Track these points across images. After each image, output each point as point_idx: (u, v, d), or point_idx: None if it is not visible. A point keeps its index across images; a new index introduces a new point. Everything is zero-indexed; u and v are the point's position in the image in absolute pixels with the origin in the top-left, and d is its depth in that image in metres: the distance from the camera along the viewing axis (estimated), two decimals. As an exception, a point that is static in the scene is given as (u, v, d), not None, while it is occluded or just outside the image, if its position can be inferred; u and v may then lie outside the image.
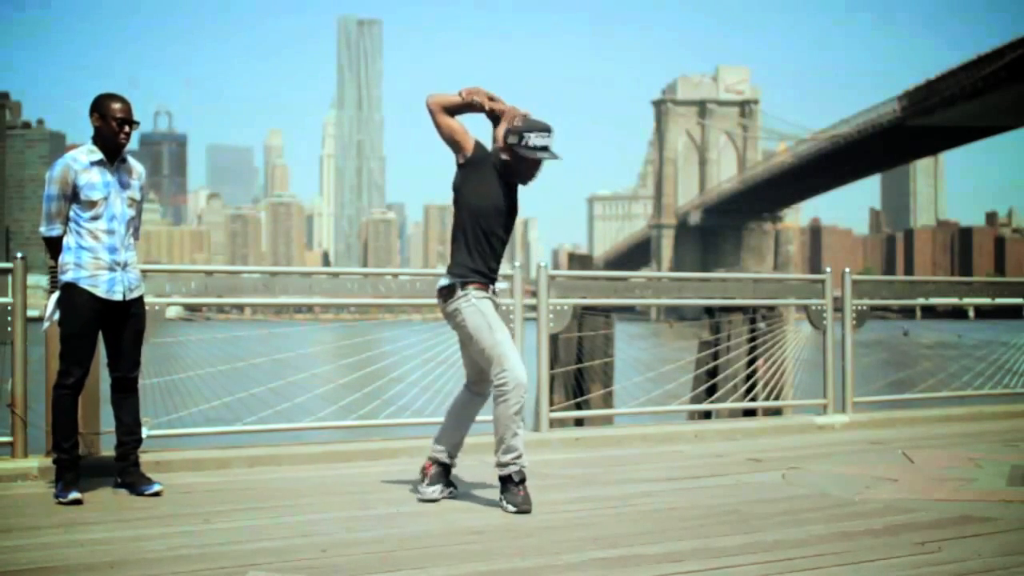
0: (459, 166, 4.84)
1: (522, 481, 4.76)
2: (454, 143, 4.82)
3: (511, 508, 4.69)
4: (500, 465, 4.80)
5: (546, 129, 4.79)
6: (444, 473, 5.08)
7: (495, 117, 4.88)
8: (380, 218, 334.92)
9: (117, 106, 5.09)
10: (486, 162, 4.81)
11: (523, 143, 4.77)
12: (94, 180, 5.06)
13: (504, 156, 4.82)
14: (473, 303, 4.79)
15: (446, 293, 4.87)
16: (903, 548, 3.98)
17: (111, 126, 5.07)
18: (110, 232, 5.09)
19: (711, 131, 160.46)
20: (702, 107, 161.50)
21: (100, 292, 5.06)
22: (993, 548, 3.98)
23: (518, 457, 4.77)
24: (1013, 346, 9.66)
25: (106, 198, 5.08)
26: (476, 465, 5.90)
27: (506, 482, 4.78)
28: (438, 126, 4.81)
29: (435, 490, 5.03)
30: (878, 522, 4.47)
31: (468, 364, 5.08)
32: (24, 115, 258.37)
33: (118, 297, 5.11)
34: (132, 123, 5.13)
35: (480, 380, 5.06)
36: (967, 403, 9.25)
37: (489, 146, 4.90)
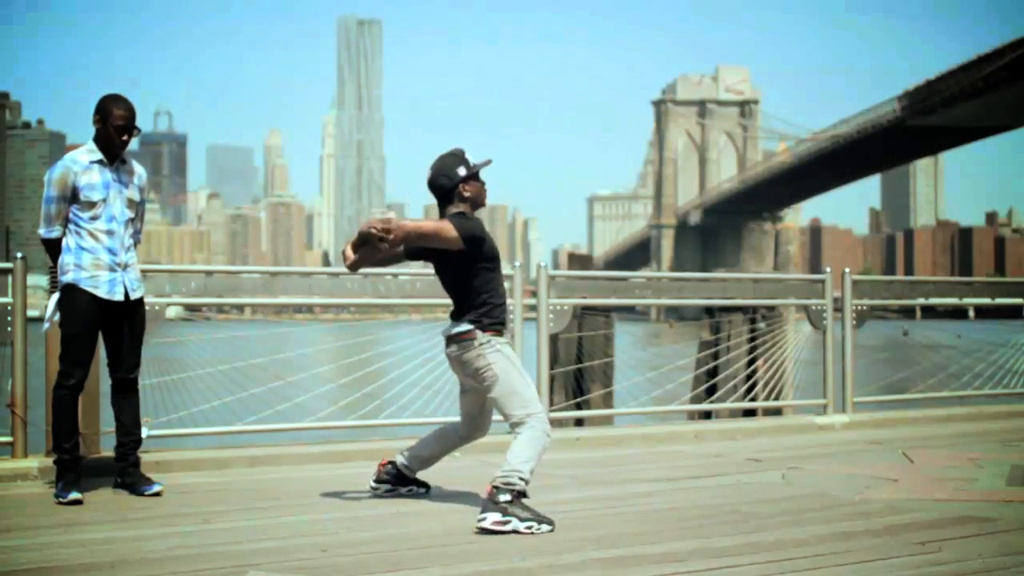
0: (468, 249, 4.65)
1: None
2: (440, 242, 4.66)
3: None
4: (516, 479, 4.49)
5: (463, 150, 4.85)
6: (396, 476, 5.08)
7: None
8: (380, 218, 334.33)
9: (119, 112, 5.07)
10: (480, 226, 4.73)
11: (471, 164, 4.77)
12: (94, 180, 5.06)
13: (468, 193, 4.76)
14: (499, 348, 4.70)
15: (462, 339, 4.71)
16: (903, 548, 3.98)
17: (109, 131, 5.07)
18: (110, 233, 5.09)
19: (711, 131, 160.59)
20: (702, 107, 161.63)
21: (101, 293, 5.06)
22: (993, 548, 3.98)
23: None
24: (1012, 347, 9.66)
25: (105, 199, 5.08)
26: (475, 465, 5.90)
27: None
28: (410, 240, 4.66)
29: (379, 487, 5.09)
30: (878, 522, 4.47)
31: (466, 413, 4.97)
32: (24, 115, 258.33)
33: (119, 298, 5.11)
34: (132, 131, 5.11)
35: (472, 432, 5.02)
36: (967, 403, 9.25)
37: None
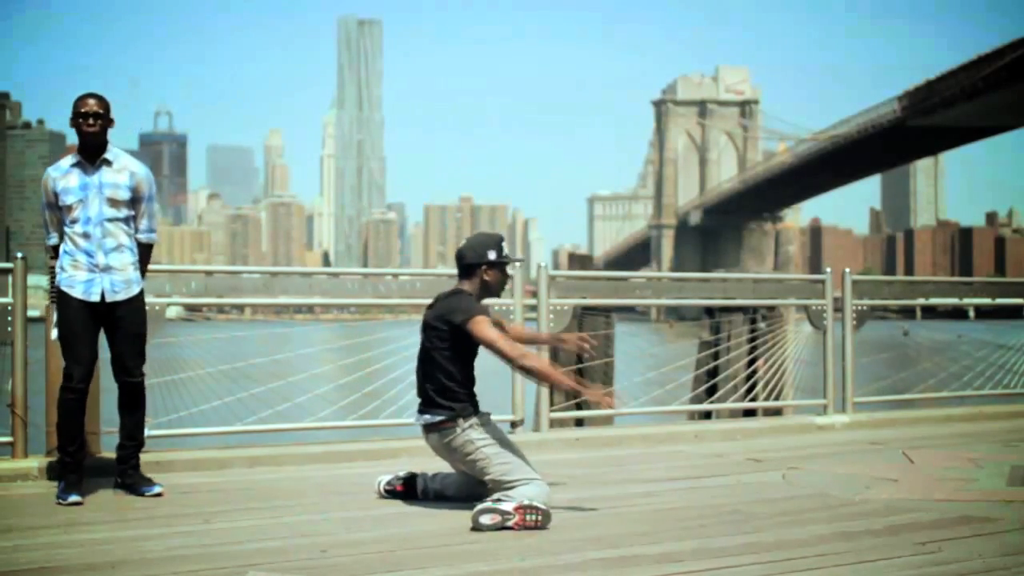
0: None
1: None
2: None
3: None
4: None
5: (503, 238, 5.01)
6: (405, 478, 5.05)
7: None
8: (380, 218, 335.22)
9: (79, 101, 5.10)
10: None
11: (504, 254, 4.89)
12: (70, 184, 5.11)
13: (488, 277, 4.86)
14: (482, 426, 4.71)
15: (443, 427, 4.71)
16: (903, 548, 3.98)
17: (76, 121, 5.09)
18: (86, 235, 5.10)
19: (711, 131, 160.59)
20: (702, 107, 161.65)
21: (77, 294, 5.08)
22: (993, 548, 3.98)
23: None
24: (1012, 348, 9.66)
25: (81, 200, 5.08)
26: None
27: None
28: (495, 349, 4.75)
29: (381, 481, 5.07)
30: (878, 522, 4.47)
31: (471, 478, 4.86)
32: (24, 115, 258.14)
33: (95, 299, 5.09)
34: (99, 116, 5.08)
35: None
36: (967, 403, 9.25)
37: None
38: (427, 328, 4.85)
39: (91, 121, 5.08)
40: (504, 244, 4.93)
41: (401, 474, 5.09)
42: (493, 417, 4.93)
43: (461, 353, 4.79)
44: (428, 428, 4.79)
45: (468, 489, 4.85)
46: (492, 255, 4.85)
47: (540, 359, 4.85)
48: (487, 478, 4.67)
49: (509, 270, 5.01)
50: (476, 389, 4.89)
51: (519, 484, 4.59)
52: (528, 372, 4.75)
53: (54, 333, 5.30)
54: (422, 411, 4.82)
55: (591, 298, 8.00)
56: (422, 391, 4.84)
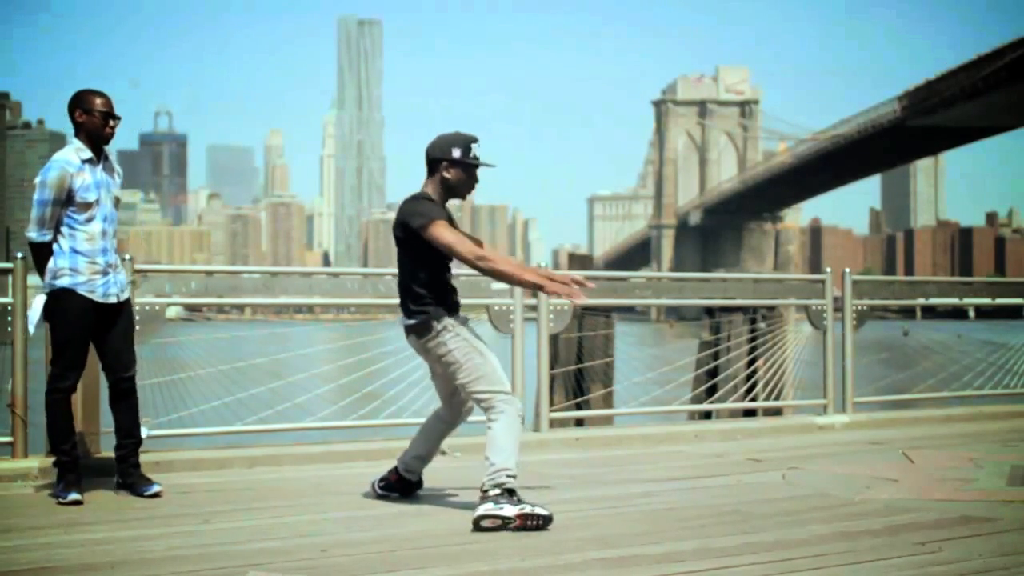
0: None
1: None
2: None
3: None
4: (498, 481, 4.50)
5: (476, 139, 4.81)
6: (402, 486, 5.06)
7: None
8: (380, 218, 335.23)
9: (100, 100, 5.03)
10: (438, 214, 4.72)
11: (471, 155, 4.75)
12: (87, 181, 5.00)
13: (448, 175, 4.74)
14: (457, 332, 4.70)
15: (420, 329, 4.71)
16: (903, 548, 3.98)
17: (96, 120, 5.00)
18: (103, 233, 5.06)
19: (711, 131, 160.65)
20: (702, 107, 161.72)
21: (97, 297, 5.02)
22: (993, 548, 3.98)
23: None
24: (1012, 348, 9.66)
25: (98, 199, 5.03)
26: (476, 466, 5.89)
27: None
28: (455, 254, 4.67)
29: (374, 480, 5.10)
30: (878, 522, 4.47)
31: (443, 396, 4.99)
32: (24, 115, 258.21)
33: (113, 300, 5.08)
34: (116, 116, 5.07)
35: (455, 414, 5.00)
36: (967, 403, 9.26)
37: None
38: (395, 237, 4.80)
39: (111, 123, 5.06)
40: (474, 146, 4.74)
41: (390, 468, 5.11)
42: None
43: (427, 258, 4.71)
44: (407, 329, 4.81)
45: (433, 434, 5.04)
46: (456, 153, 4.71)
47: (500, 257, 4.74)
48: (457, 383, 4.72)
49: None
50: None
51: (484, 399, 4.61)
52: (490, 273, 4.72)
53: (32, 328, 5.26)
54: (404, 314, 4.83)
55: (591, 298, 7.99)
56: (400, 296, 4.84)
